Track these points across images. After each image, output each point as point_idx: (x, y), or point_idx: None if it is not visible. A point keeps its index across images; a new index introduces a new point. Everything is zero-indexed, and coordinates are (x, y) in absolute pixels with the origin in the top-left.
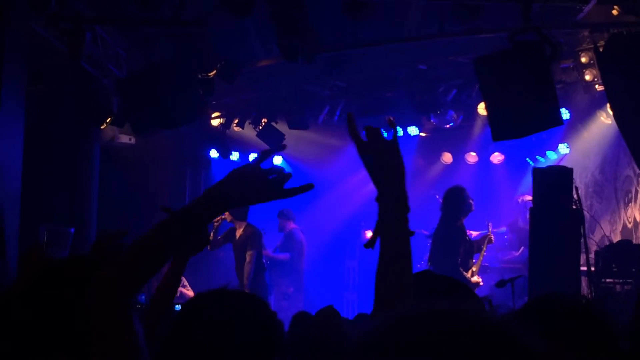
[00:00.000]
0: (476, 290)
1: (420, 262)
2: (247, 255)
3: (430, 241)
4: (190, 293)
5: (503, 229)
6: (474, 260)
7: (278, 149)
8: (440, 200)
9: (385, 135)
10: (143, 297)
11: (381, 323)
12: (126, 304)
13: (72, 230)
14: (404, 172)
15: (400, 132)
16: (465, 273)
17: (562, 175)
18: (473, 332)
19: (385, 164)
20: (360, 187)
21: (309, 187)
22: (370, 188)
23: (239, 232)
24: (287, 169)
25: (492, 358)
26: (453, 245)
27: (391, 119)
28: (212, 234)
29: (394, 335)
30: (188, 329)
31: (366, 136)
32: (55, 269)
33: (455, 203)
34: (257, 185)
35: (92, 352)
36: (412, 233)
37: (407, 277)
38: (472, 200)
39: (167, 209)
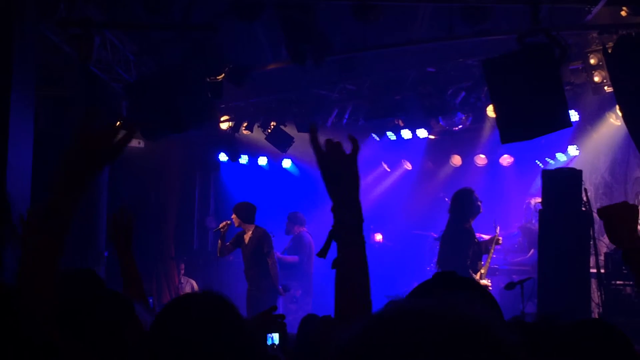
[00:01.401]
0: None
1: (430, 265)
2: (267, 259)
3: (439, 244)
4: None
5: (515, 231)
6: (482, 263)
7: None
8: (449, 203)
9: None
10: (151, 299)
11: (362, 324)
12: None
13: (106, 253)
14: (358, 185)
15: (396, 137)
16: (474, 275)
17: (571, 177)
18: (449, 329)
19: (341, 176)
20: (368, 191)
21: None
22: (378, 191)
23: (247, 236)
24: (296, 171)
25: (468, 353)
26: (461, 247)
27: (351, 135)
28: (219, 241)
29: (372, 334)
30: (164, 327)
31: (326, 148)
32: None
33: (464, 205)
34: (94, 144)
35: None
36: (364, 242)
37: (363, 282)
38: (481, 202)
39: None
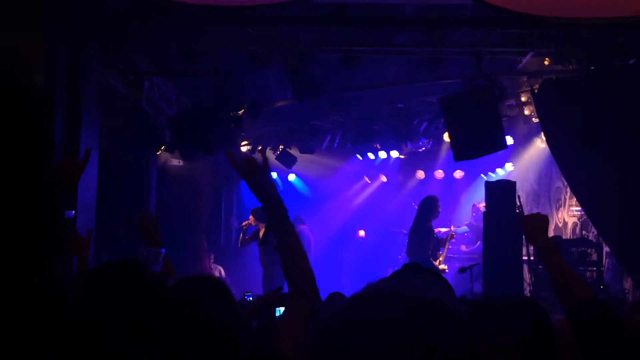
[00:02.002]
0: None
1: (401, 254)
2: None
3: (408, 238)
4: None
5: (465, 228)
6: (440, 252)
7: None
8: (416, 207)
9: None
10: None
11: (343, 302)
12: None
13: (163, 250)
14: (274, 185)
15: (374, 157)
16: (434, 262)
17: (507, 187)
18: (416, 304)
19: (258, 181)
20: (353, 197)
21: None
22: (361, 198)
23: (262, 232)
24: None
25: (431, 321)
26: (424, 240)
27: (261, 151)
28: (241, 235)
29: (354, 310)
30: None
31: (245, 164)
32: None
33: (428, 208)
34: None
35: None
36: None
37: (303, 257)
38: (440, 208)
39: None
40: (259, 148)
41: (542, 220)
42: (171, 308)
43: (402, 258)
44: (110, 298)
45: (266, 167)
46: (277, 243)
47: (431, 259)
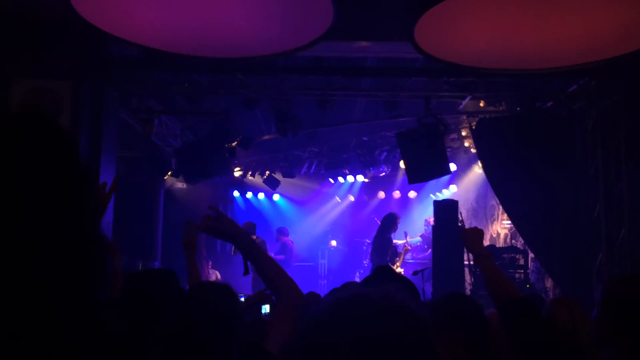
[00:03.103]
0: None
1: (366, 260)
2: None
3: (371, 246)
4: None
5: (419, 238)
6: (397, 259)
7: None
8: (378, 221)
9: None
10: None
11: (327, 303)
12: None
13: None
14: (235, 224)
15: (344, 180)
16: (392, 266)
17: (451, 205)
18: (387, 308)
19: (222, 229)
20: (327, 213)
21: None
22: (333, 215)
23: None
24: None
25: (399, 324)
26: (384, 249)
27: (212, 206)
28: (234, 246)
29: (336, 311)
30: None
31: (208, 221)
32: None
33: (389, 223)
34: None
35: None
36: (266, 252)
37: (279, 270)
38: (399, 223)
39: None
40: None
41: (478, 233)
42: (192, 307)
43: (366, 263)
44: (147, 300)
45: (220, 217)
46: (257, 269)
47: (389, 264)
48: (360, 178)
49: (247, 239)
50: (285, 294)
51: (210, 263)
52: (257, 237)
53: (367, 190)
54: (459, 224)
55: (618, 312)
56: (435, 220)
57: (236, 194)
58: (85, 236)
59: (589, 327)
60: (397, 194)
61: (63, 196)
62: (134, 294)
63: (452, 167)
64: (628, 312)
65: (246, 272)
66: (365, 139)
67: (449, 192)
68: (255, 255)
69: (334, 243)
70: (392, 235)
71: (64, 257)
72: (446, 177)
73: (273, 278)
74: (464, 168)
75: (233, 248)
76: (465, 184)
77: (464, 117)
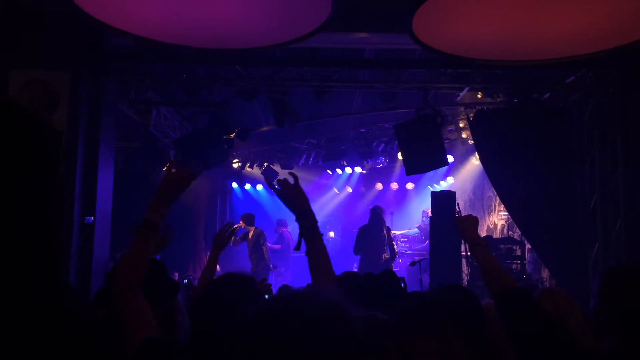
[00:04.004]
0: (397, 269)
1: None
2: (263, 248)
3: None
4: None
5: (416, 230)
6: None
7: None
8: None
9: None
10: (190, 277)
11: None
12: (136, 289)
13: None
14: (306, 200)
15: (342, 172)
16: (384, 255)
17: (449, 196)
18: (316, 308)
19: (293, 197)
20: (325, 205)
21: (191, 175)
22: (331, 206)
23: (250, 233)
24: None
25: (327, 323)
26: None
27: (292, 172)
28: (233, 237)
29: (271, 311)
30: (212, 294)
31: (279, 184)
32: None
33: (378, 213)
34: (176, 180)
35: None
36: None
37: (328, 261)
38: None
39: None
40: (290, 172)
41: (473, 220)
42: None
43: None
44: (226, 300)
45: (297, 186)
46: (307, 249)
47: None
48: (358, 169)
49: (312, 217)
50: (323, 276)
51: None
52: (255, 228)
53: (365, 181)
54: (456, 215)
55: (616, 303)
56: (432, 212)
57: (234, 185)
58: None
59: (576, 318)
60: (394, 185)
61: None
62: (217, 294)
63: (450, 158)
64: (626, 303)
65: (297, 248)
66: (363, 130)
67: (446, 183)
68: (314, 234)
69: (331, 234)
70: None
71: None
72: (443, 169)
73: (319, 265)
74: (461, 159)
75: (233, 238)
76: (462, 176)
77: (462, 109)
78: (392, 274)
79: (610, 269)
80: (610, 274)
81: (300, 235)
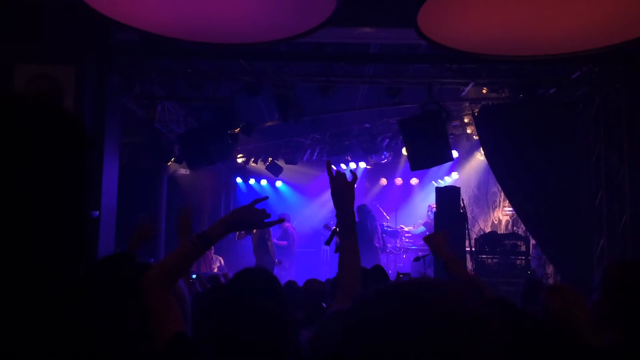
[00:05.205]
0: (402, 265)
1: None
2: (268, 242)
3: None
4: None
5: (422, 227)
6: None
7: (263, 199)
8: (381, 208)
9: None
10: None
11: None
12: (167, 287)
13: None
14: (353, 200)
15: (351, 168)
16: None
17: (453, 191)
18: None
19: (343, 194)
20: (329, 200)
21: (279, 221)
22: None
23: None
24: (286, 190)
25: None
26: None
27: (353, 171)
28: (239, 232)
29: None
30: (231, 290)
31: (336, 175)
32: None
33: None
34: (248, 219)
35: (151, 317)
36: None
37: (358, 259)
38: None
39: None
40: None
41: (442, 237)
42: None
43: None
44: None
45: (351, 185)
46: (341, 245)
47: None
48: (362, 165)
49: (353, 218)
50: (351, 282)
51: (213, 249)
52: None
53: (369, 176)
54: (461, 211)
55: (617, 296)
56: (437, 207)
57: (239, 180)
58: (78, 204)
59: (585, 314)
60: (399, 180)
61: (64, 166)
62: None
63: (455, 153)
64: (627, 297)
65: (328, 243)
66: (367, 125)
67: (450, 179)
68: (350, 233)
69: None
70: (377, 223)
71: (59, 220)
72: (448, 164)
73: (349, 261)
74: (466, 155)
75: (237, 234)
76: (467, 171)
77: (467, 104)
78: (381, 269)
79: (611, 263)
80: (610, 268)
81: (334, 233)
